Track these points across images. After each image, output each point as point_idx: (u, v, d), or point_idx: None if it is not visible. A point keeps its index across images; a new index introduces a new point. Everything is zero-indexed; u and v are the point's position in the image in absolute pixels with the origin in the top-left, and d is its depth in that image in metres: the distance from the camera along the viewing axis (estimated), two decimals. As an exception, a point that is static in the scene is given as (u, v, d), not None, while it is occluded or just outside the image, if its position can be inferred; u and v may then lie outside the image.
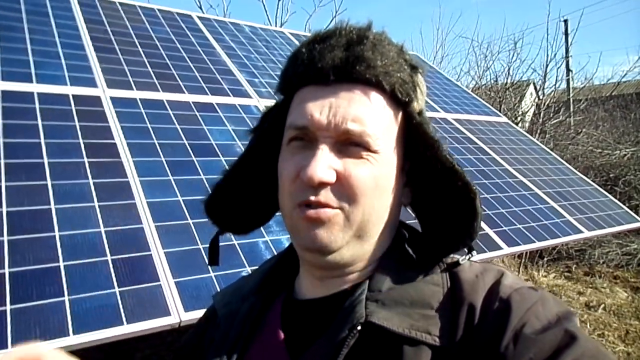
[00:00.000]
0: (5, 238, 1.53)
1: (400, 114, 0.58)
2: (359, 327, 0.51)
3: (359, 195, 0.54)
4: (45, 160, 1.88)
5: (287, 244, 0.80)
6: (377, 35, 0.58)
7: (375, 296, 0.55)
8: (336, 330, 0.53)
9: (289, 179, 0.56)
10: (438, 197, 0.59)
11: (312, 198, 0.53)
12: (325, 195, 0.53)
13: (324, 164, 0.52)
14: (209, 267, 1.72)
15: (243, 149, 0.69)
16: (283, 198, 0.58)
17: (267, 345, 0.61)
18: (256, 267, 0.77)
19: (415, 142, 0.58)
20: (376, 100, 0.55)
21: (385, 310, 0.53)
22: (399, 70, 0.56)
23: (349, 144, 0.54)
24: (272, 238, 1.95)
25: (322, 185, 0.53)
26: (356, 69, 0.54)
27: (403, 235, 0.62)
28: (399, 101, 0.57)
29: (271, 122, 0.64)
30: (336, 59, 0.54)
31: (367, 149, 0.54)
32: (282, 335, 0.60)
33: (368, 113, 0.54)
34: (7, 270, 1.43)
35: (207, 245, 1.90)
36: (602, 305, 4.73)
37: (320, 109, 0.54)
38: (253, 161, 0.67)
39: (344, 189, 0.54)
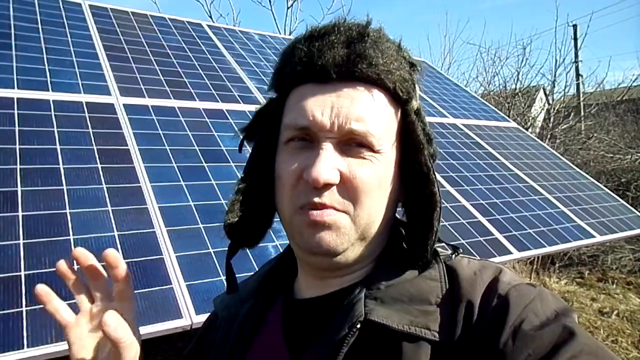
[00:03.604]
0: (22, 241, 1.57)
1: (399, 111, 0.57)
2: (358, 325, 0.51)
3: (364, 196, 0.53)
4: (61, 166, 1.93)
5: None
6: (376, 32, 0.56)
7: (374, 294, 0.54)
8: (336, 329, 0.53)
9: (289, 182, 0.54)
10: (413, 201, 0.58)
11: (317, 200, 0.52)
12: (330, 197, 0.52)
13: (329, 165, 0.51)
14: (220, 270, 1.74)
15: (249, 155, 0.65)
16: (283, 202, 0.56)
17: (267, 345, 0.61)
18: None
19: (407, 140, 0.58)
20: (378, 99, 0.54)
21: (384, 308, 0.52)
22: (399, 68, 0.55)
23: (352, 144, 0.53)
24: (282, 242, 1.96)
25: (327, 186, 0.52)
26: (358, 67, 0.53)
27: (400, 232, 0.62)
28: (399, 99, 0.56)
29: (268, 122, 0.61)
30: (337, 57, 0.53)
31: (371, 149, 0.53)
32: (282, 335, 0.60)
33: (371, 112, 0.53)
34: (22, 273, 1.47)
35: (218, 250, 1.90)
36: (616, 312, 4.66)
37: (322, 109, 0.53)
38: (254, 166, 0.63)
39: (349, 191, 0.53)
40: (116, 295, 0.56)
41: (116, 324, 0.50)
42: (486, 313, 0.50)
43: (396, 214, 0.62)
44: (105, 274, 0.56)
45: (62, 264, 0.55)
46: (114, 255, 0.53)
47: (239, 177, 0.64)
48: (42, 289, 0.54)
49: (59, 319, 0.55)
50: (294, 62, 0.56)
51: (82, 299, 0.56)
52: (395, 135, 0.57)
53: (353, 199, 0.53)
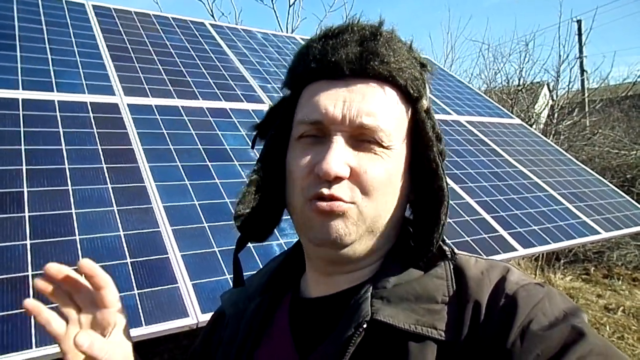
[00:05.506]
0: (28, 242, 1.58)
1: (410, 110, 0.58)
2: (364, 325, 0.52)
3: (373, 191, 0.54)
4: (66, 166, 1.94)
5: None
6: (388, 32, 0.58)
7: (381, 293, 0.54)
8: (343, 328, 0.53)
9: (301, 175, 0.55)
10: (422, 197, 0.59)
11: (326, 191, 0.53)
12: (339, 190, 0.53)
13: (340, 159, 0.52)
14: (225, 269, 1.75)
15: (257, 153, 0.67)
16: (293, 194, 0.57)
17: (275, 344, 0.61)
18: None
19: (416, 138, 0.58)
20: (390, 96, 0.55)
21: (390, 307, 0.53)
22: (410, 67, 0.56)
23: (362, 140, 0.54)
24: (286, 241, 1.97)
25: (337, 179, 0.53)
26: (371, 64, 0.54)
27: (408, 231, 0.62)
28: (410, 97, 0.57)
29: (281, 119, 0.63)
30: (350, 54, 0.54)
31: (380, 144, 0.54)
32: (290, 334, 0.60)
33: (382, 108, 0.54)
34: (30, 273, 1.48)
35: (223, 249, 1.91)
36: (621, 308, 4.65)
37: (335, 103, 0.54)
38: (265, 160, 0.64)
39: (358, 185, 0.53)
40: (99, 303, 0.57)
41: (89, 342, 0.53)
42: (494, 313, 0.50)
43: (405, 214, 0.62)
44: (84, 282, 0.57)
45: (39, 282, 0.57)
46: (89, 265, 0.55)
47: (244, 175, 0.64)
48: (30, 303, 0.56)
49: (51, 331, 0.57)
50: (308, 60, 0.57)
51: (69, 310, 0.58)
52: (405, 132, 0.58)
53: (362, 193, 0.54)
